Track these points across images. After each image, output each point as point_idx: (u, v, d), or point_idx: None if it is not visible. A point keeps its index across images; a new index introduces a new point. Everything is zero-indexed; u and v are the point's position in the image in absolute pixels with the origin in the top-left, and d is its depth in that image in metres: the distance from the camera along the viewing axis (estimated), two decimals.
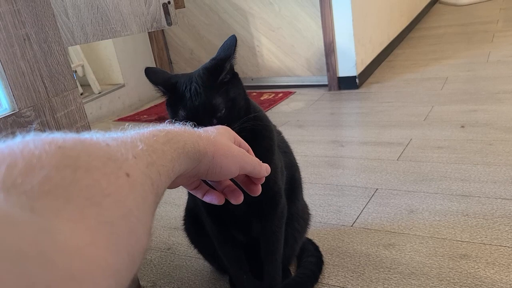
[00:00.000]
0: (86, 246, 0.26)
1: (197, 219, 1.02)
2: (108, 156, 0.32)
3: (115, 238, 0.28)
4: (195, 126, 0.69)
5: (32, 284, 0.21)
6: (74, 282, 0.24)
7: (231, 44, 0.78)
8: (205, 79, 0.76)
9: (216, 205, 0.89)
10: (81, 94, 2.89)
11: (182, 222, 1.11)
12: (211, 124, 0.73)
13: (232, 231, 0.96)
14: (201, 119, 0.73)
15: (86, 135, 0.33)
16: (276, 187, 0.89)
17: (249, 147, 0.54)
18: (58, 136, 0.29)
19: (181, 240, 1.13)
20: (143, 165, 0.35)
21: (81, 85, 2.92)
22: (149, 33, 3.18)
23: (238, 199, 0.54)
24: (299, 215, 1.04)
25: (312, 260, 1.10)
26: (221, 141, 0.51)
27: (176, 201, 1.56)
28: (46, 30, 0.81)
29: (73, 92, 0.87)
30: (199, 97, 0.74)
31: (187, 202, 1.08)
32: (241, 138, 0.53)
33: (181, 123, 0.69)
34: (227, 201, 0.89)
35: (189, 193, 1.03)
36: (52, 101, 0.83)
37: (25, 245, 0.22)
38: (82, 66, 2.88)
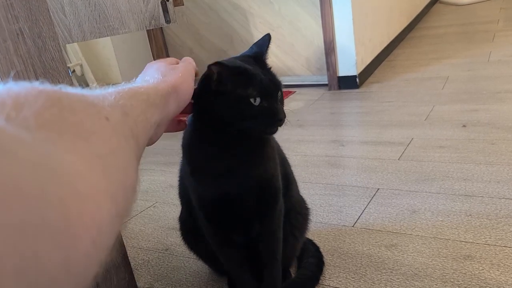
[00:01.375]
0: (86, 171, 0.27)
1: (192, 227, 1.00)
2: (86, 101, 0.33)
3: (108, 169, 0.30)
4: (263, 99, 0.75)
5: (46, 196, 0.22)
6: (82, 198, 0.25)
7: (265, 42, 0.83)
8: (258, 65, 0.80)
9: (215, 207, 0.88)
10: None
11: (180, 232, 1.09)
12: (277, 98, 0.78)
13: (230, 233, 0.94)
14: (272, 94, 0.77)
15: (60, 86, 0.34)
16: (278, 184, 0.89)
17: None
18: (37, 83, 0.30)
19: (179, 241, 1.11)
20: (118, 114, 0.37)
21: (79, 85, 2.90)
22: (148, 32, 3.15)
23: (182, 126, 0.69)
24: (296, 210, 1.02)
25: (312, 261, 1.08)
26: (171, 72, 0.58)
27: (174, 201, 1.53)
28: (40, 25, 0.79)
29: None
30: (267, 75, 0.78)
31: (181, 213, 1.07)
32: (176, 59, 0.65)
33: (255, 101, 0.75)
34: (225, 203, 0.87)
35: (182, 204, 1.01)
36: None
37: (38, 158, 0.23)
38: (81, 66, 2.87)
